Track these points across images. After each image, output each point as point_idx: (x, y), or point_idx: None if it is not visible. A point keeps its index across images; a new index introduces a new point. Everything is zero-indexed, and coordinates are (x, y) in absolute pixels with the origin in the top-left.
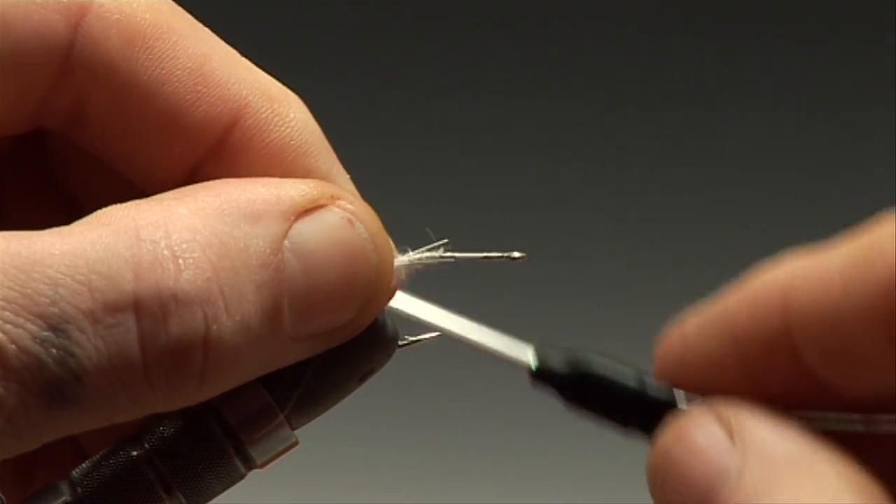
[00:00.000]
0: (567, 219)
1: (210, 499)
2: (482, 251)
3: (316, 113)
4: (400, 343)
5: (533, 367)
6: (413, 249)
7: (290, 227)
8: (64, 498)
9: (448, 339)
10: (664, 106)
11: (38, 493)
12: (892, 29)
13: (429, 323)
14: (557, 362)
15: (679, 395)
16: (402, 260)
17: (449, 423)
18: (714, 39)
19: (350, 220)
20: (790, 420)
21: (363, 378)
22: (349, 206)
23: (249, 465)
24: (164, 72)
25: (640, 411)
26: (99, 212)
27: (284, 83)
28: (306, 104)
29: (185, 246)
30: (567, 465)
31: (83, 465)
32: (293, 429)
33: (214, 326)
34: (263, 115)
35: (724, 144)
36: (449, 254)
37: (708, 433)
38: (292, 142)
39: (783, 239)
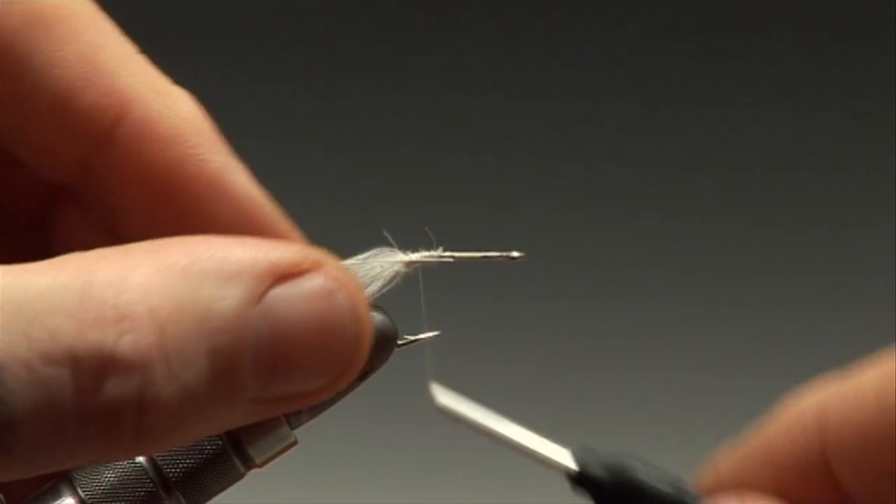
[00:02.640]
0: (567, 219)
1: (209, 498)
2: (481, 251)
3: (317, 113)
4: (399, 343)
5: (574, 472)
6: (413, 249)
7: (265, 292)
8: (64, 498)
9: (487, 438)
10: (664, 105)
11: (39, 494)
12: (893, 29)
13: (470, 422)
14: (598, 468)
15: None
16: (401, 259)
17: (449, 423)
18: (714, 39)
19: (332, 291)
20: None
21: (363, 377)
22: (333, 274)
23: (248, 464)
24: (56, 55)
25: None
26: (63, 257)
27: (284, 83)
28: (307, 105)
29: (133, 308)
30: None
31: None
32: (292, 428)
33: (152, 390)
34: (152, 109)
35: (724, 144)
36: (448, 253)
37: None
38: (182, 134)
39: (783, 238)
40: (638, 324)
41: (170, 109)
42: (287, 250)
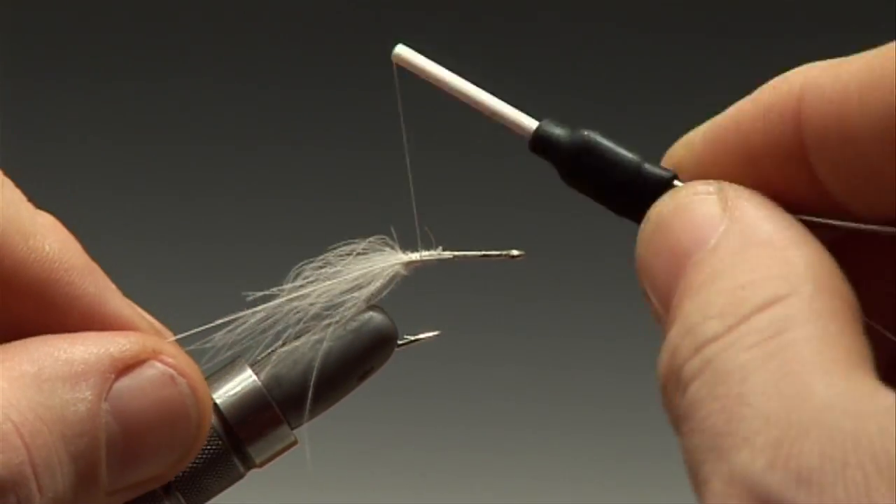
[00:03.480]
0: (567, 219)
1: (209, 498)
2: (481, 250)
3: (317, 114)
4: (399, 343)
5: (533, 134)
6: (413, 249)
7: (110, 387)
8: None
9: (459, 101)
10: (664, 105)
11: None
12: (893, 29)
13: (440, 81)
14: (561, 133)
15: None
16: (402, 258)
17: (449, 423)
18: (714, 39)
19: (172, 376)
20: (787, 213)
21: (363, 377)
22: (170, 361)
23: (248, 464)
24: None
25: (638, 190)
26: None
27: (284, 85)
28: (307, 105)
29: (1, 428)
30: (567, 464)
31: None
32: (292, 428)
33: None
34: (19, 254)
35: None
36: (448, 252)
37: (703, 202)
38: (51, 276)
39: None
40: (638, 324)
41: (35, 253)
42: (125, 341)
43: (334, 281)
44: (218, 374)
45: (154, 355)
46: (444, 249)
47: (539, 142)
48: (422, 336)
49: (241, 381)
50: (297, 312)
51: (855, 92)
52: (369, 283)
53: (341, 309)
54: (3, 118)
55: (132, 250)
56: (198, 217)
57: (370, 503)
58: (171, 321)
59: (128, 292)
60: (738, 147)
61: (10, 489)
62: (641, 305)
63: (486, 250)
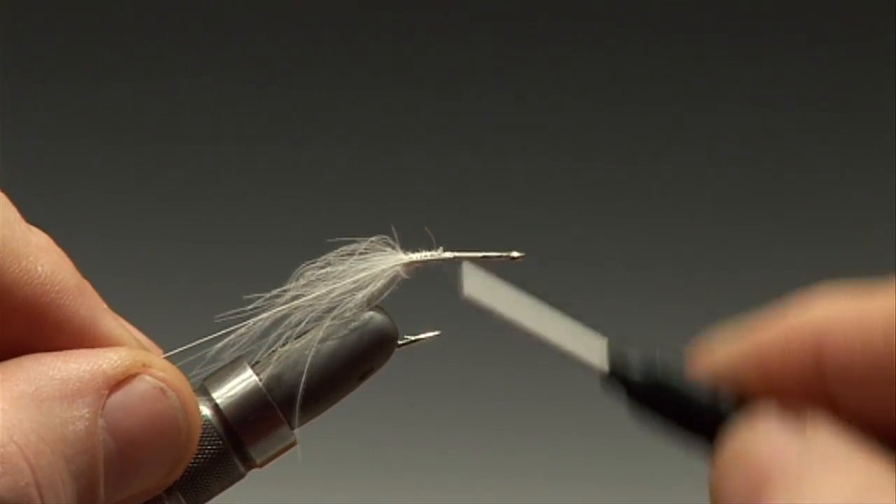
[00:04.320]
0: (567, 219)
1: (209, 498)
2: (481, 251)
3: (317, 114)
4: (400, 343)
5: (605, 371)
6: (413, 249)
7: (104, 403)
8: None
9: (514, 330)
10: (665, 105)
11: None
12: (893, 29)
13: (501, 312)
14: (631, 369)
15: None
16: (401, 259)
17: (449, 423)
18: (713, 39)
19: (162, 390)
20: (852, 435)
21: (363, 377)
22: (160, 374)
23: (249, 464)
24: None
25: (707, 424)
26: None
27: (284, 84)
28: (307, 105)
29: (4, 450)
30: (567, 464)
31: None
32: (292, 428)
33: None
34: (11, 275)
35: (724, 144)
36: (449, 253)
37: (778, 429)
38: (43, 297)
39: (784, 238)
40: (638, 324)
41: (28, 275)
42: (116, 356)
43: (335, 282)
44: (218, 374)
45: (144, 369)
46: (444, 250)
47: (611, 377)
48: (422, 336)
49: (242, 381)
50: (298, 312)
51: (880, 337)
52: (370, 284)
53: (342, 309)
54: (2, 118)
55: (133, 251)
56: (198, 217)
57: (370, 503)
58: (172, 322)
59: (128, 293)
60: (761, 370)
61: None
62: (641, 306)
63: (487, 251)
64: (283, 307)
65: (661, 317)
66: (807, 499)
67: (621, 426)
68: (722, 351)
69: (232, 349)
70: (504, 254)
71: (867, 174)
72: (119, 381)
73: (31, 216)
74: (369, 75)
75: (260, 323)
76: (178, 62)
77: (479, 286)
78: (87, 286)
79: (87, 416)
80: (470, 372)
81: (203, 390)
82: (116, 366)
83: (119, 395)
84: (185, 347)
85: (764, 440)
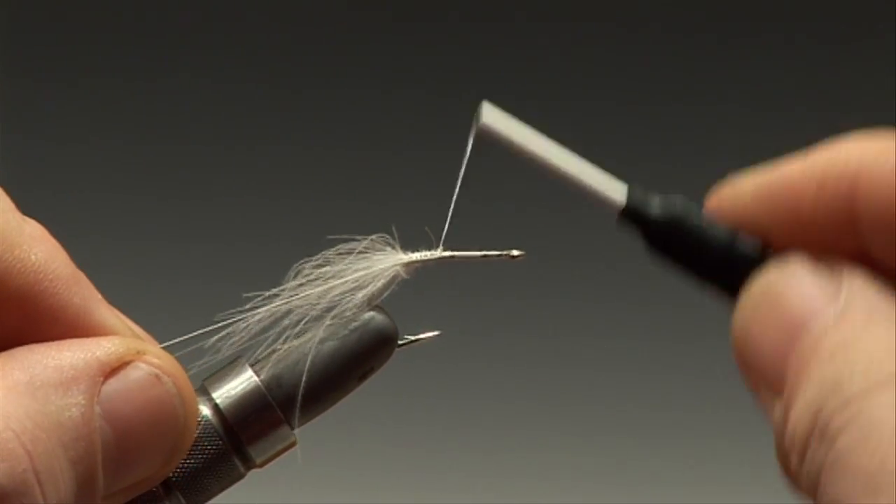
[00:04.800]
0: (567, 219)
1: (209, 498)
2: (481, 250)
3: (318, 115)
4: (400, 343)
5: (623, 205)
6: (413, 249)
7: (99, 391)
8: None
9: (536, 164)
10: (664, 105)
11: None
12: (893, 29)
13: (520, 146)
14: (650, 205)
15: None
16: (401, 259)
17: (449, 424)
18: (713, 39)
19: (157, 376)
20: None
21: (363, 377)
22: (155, 361)
23: (249, 464)
24: None
25: (728, 268)
26: None
27: (286, 83)
28: (308, 105)
29: (0, 436)
30: (567, 465)
31: None
32: (292, 428)
33: None
34: (5, 264)
35: (724, 144)
36: (449, 252)
37: (813, 274)
38: (37, 286)
39: None
40: (639, 324)
41: (22, 263)
42: (109, 344)
43: (335, 281)
44: (218, 374)
45: (138, 356)
46: (444, 249)
47: (629, 214)
48: (422, 336)
49: (242, 381)
50: (298, 311)
51: None
52: (370, 284)
53: (342, 309)
54: (2, 118)
55: (134, 249)
56: (199, 216)
57: (370, 503)
58: (172, 320)
59: (127, 291)
60: (788, 210)
61: (15, 498)
62: (641, 306)
63: (487, 250)
64: (281, 303)
65: (662, 317)
66: (848, 349)
67: (622, 426)
68: (748, 190)
69: (231, 341)
70: (504, 252)
71: None
72: (114, 369)
73: (31, 215)
74: (369, 75)
75: (259, 319)
76: (179, 61)
77: (498, 118)
78: (81, 276)
79: (82, 402)
80: (470, 372)
81: (203, 390)
82: (110, 353)
83: (114, 383)
84: (180, 339)
85: (798, 284)
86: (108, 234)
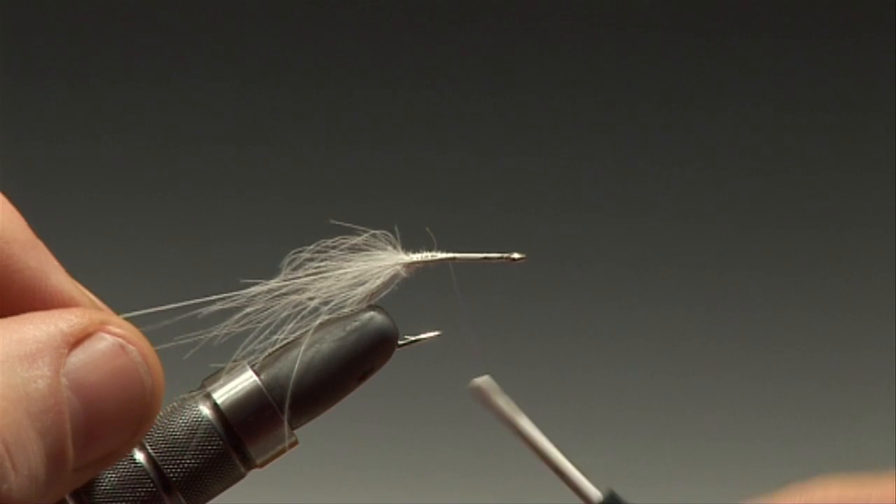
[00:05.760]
0: (567, 219)
1: (210, 498)
2: (482, 252)
3: (319, 114)
4: (400, 343)
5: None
6: (413, 250)
7: (65, 361)
8: (64, 499)
9: (526, 446)
10: (664, 105)
11: None
12: (893, 29)
13: (514, 424)
14: None
15: None
16: (403, 259)
17: (449, 424)
18: (713, 39)
19: (122, 346)
20: None
21: (363, 378)
22: (118, 331)
23: (249, 464)
24: None
25: None
26: None
27: (285, 83)
28: (309, 105)
29: None
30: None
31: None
32: (293, 428)
33: (4, 486)
34: None
35: (724, 144)
36: (449, 254)
37: None
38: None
39: (783, 238)
40: (639, 324)
41: None
42: (71, 316)
43: (333, 277)
44: (218, 374)
45: (101, 327)
46: (445, 250)
47: None
48: (422, 336)
49: (242, 382)
50: (295, 300)
51: None
52: (369, 283)
53: (341, 308)
54: (2, 118)
55: (132, 249)
56: (200, 215)
57: (370, 503)
58: (176, 314)
59: (127, 291)
60: None
61: None
62: (642, 306)
63: (487, 252)
64: (279, 288)
65: (663, 317)
66: None
67: (622, 426)
68: None
69: (224, 324)
70: (505, 255)
71: (867, 174)
72: (78, 340)
73: (31, 215)
74: (370, 75)
75: (254, 299)
76: (181, 62)
77: (491, 388)
78: (38, 243)
79: (48, 374)
80: (470, 372)
81: (203, 390)
82: (74, 325)
83: (79, 354)
84: (142, 312)
85: None
86: (107, 233)
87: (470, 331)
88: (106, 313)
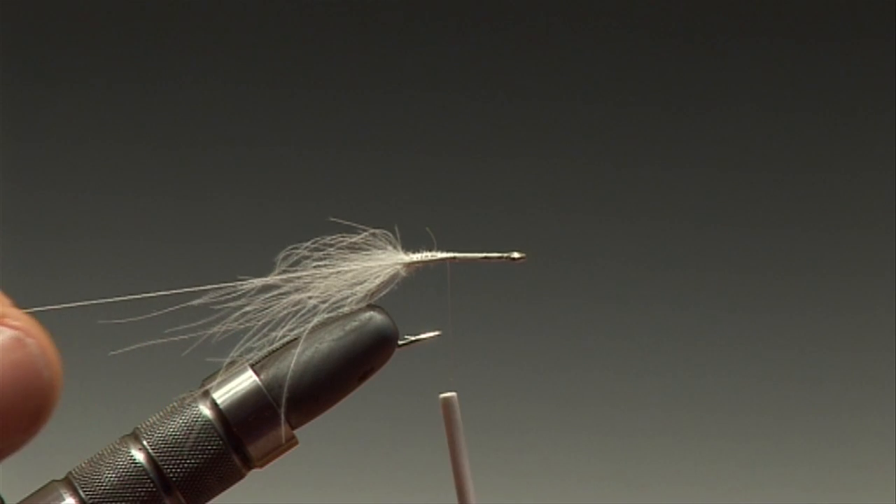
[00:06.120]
0: (567, 219)
1: (210, 498)
2: (482, 251)
3: (320, 113)
4: (400, 343)
5: None
6: (413, 250)
7: None
8: (65, 499)
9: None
10: (664, 105)
11: (37, 493)
12: (893, 29)
13: (459, 449)
14: None
15: None
16: (402, 259)
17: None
18: (712, 39)
19: (19, 339)
20: None
21: (363, 378)
22: (16, 324)
23: (249, 464)
24: None
25: None
26: None
27: (285, 83)
28: (309, 104)
29: None
30: (567, 465)
31: (82, 463)
32: (293, 428)
33: None
34: None
35: (724, 144)
36: (449, 254)
37: None
38: None
39: (784, 238)
40: (639, 324)
41: None
42: None
43: (333, 276)
44: (218, 374)
45: None
46: (445, 250)
47: None
48: (422, 336)
49: (242, 382)
50: (295, 298)
51: None
52: (369, 282)
53: (341, 307)
54: (2, 118)
55: (130, 243)
56: (199, 212)
57: (370, 503)
58: (178, 314)
59: (127, 290)
60: None
61: None
62: (642, 306)
63: (487, 252)
64: (277, 281)
65: (663, 317)
66: None
67: (622, 426)
68: None
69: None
70: (505, 254)
71: (867, 174)
72: None
73: (32, 214)
74: (370, 75)
75: (250, 293)
76: (181, 61)
77: (454, 407)
78: None
79: None
80: (470, 372)
81: (203, 390)
82: None
83: None
84: (46, 308)
85: None
86: (106, 232)
87: (452, 334)
88: (4, 306)
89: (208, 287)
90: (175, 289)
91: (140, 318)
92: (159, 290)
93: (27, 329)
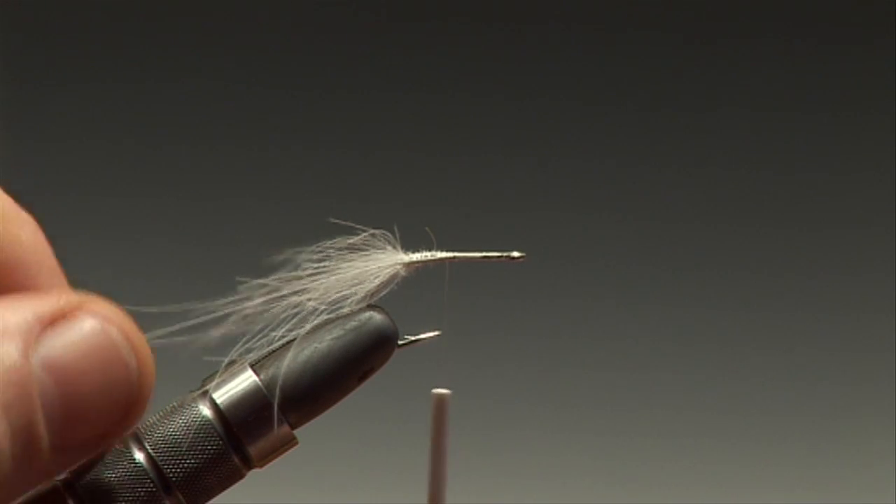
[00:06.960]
0: (567, 219)
1: (210, 498)
2: (482, 251)
3: (318, 113)
4: (400, 343)
5: None
6: (413, 250)
7: (34, 340)
8: (63, 499)
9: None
10: (664, 105)
11: (37, 493)
12: (893, 29)
13: (442, 447)
14: None
15: None
16: (402, 259)
17: (449, 424)
18: (713, 39)
19: (101, 326)
20: None
21: (363, 378)
22: (101, 313)
23: (249, 464)
24: None
25: None
26: None
27: (287, 82)
28: (309, 104)
29: None
30: (567, 464)
31: (81, 463)
32: (292, 428)
33: None
34: None
35: (724, 144)
36: (449, 254)
37: None
38: (21, 261)
39: (784, 238)
40: (639, 324)
41: (11, 237)
42: (47, 298)
43: (333, 276)
44: (218, 373)
45: (79, 307)
46: (445, 250)
47: None
48: (422, 336)
49: (242, 381)
50: (294, 301)
51: None
52: (368, 282)
53: (341, 307)
54: (2, 118)
55: (130, 244)
56: (198, 213)
57: (369, 503)
58: (179, 315)
59: (128, 290)
60: None
61: None
62: (642, 306)
63: (487, 251)
64: (278, 284)
65: (662, 317)
66: None
67: (622, 426)
68: None
69: (212, 315)
70: (504, 254)
71: (867, 174)
72: (53, 320)
73: (31, 215)
74: (370, 75)
75: (253, 297)
76: (181, 61)
77: (444, 401)
78: (29, 221)
79: (13, 351)
80: (470, 372)
81: (203, 390)
82: (46, 305)
83: (53, 334)
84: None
85: None
86: (106, 232)
87: (449, 334)
88: (84, 295)
89: (217, 302)
90: (175, 290)
91: (139, 316)
92: (159, 290)
93: (109, 317)
